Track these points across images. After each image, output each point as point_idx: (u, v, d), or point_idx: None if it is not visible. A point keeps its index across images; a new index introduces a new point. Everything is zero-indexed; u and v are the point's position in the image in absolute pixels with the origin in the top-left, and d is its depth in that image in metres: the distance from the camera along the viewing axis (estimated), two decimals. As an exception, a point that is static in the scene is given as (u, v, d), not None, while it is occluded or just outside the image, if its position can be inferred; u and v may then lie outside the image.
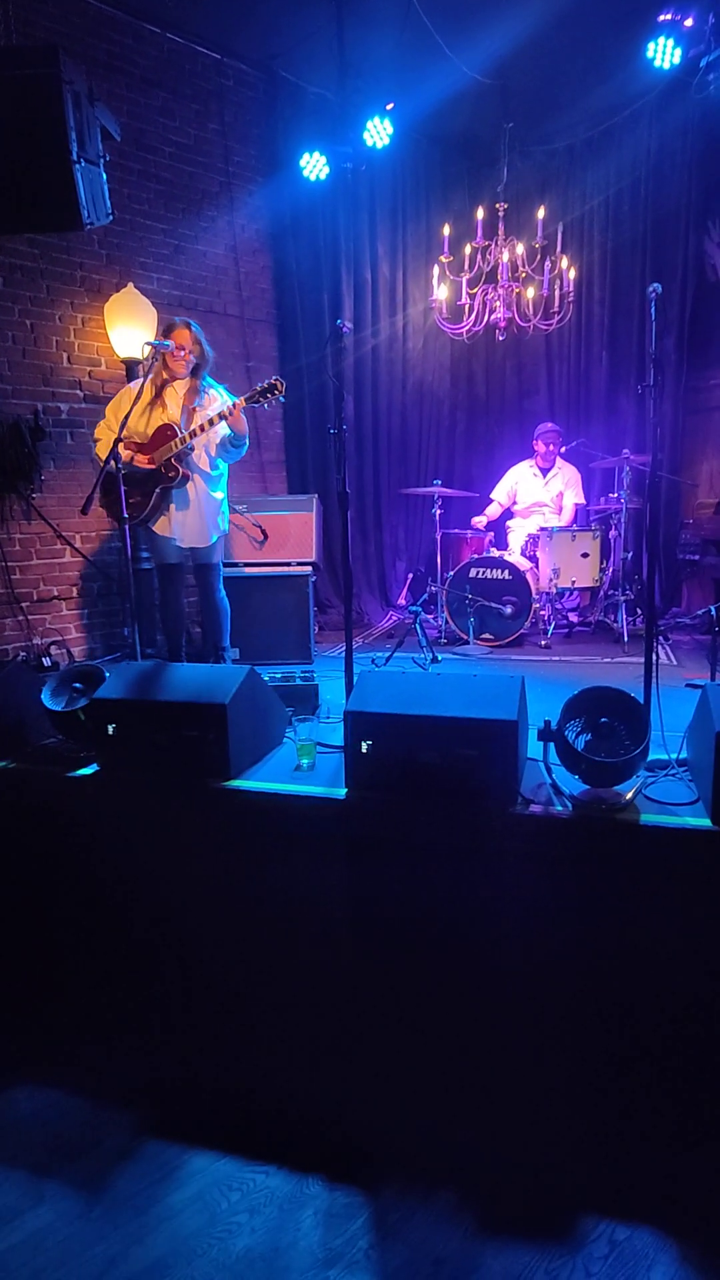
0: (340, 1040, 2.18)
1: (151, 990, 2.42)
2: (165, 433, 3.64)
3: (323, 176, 5.45)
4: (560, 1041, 2.07)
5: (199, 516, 3.75)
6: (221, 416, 3.51)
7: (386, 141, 5.23)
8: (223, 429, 3.58)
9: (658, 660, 2.76)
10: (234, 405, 3.50)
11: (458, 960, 2.21)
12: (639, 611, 5.29)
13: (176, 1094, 2.13)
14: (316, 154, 5.37)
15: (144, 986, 2.44)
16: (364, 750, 2.33)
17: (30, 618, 4.64)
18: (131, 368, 4.81)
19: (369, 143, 5.22)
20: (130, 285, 4.82)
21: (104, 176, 3.26)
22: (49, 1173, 1.90)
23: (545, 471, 5.63)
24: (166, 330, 3.71)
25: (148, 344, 3.61)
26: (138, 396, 3.61)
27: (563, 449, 5.59)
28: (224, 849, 2.47)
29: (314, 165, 5.40)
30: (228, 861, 2.45)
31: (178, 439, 3.60)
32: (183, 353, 3.63)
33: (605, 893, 2.13)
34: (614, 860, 2.15)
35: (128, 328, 4.74)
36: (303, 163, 5.39)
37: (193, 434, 3.58)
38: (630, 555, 5.17)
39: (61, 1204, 1.82)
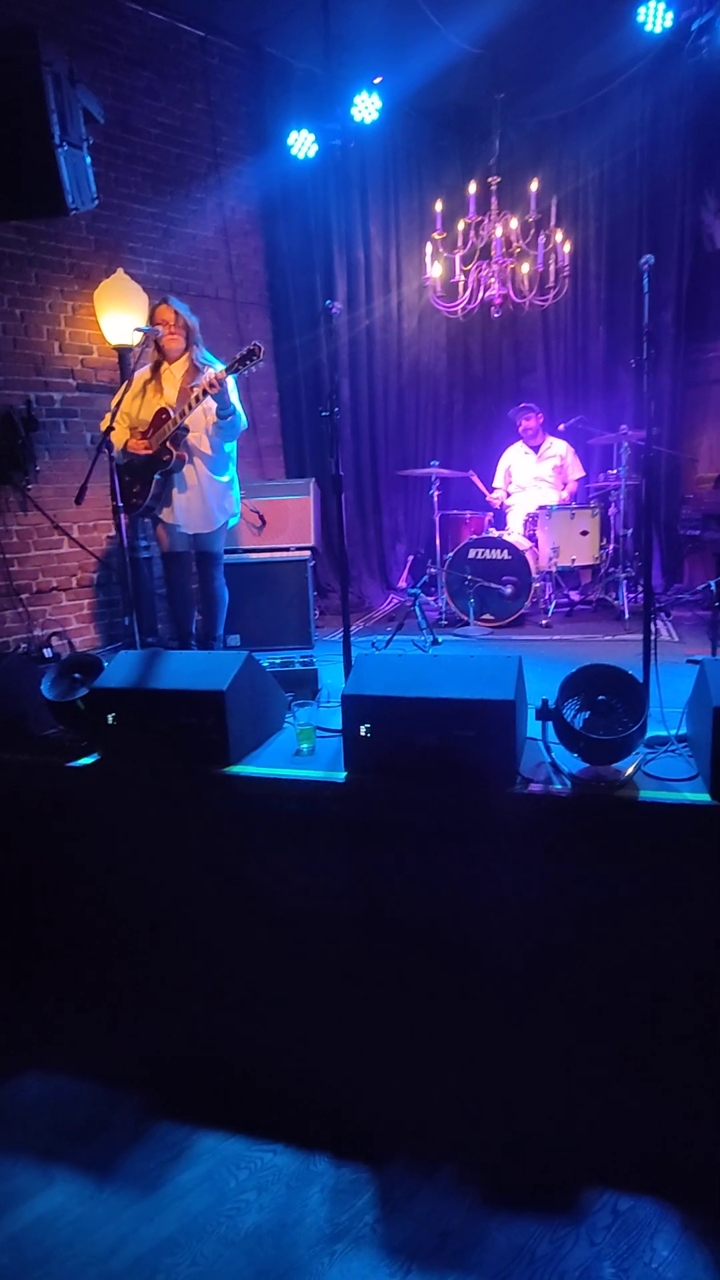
0: (344, 1019, 2.20)
1: (156, 975, 2.45)
2: (160, 416, 3.62)
3: (311, 155, 5.37)
4: (562, 1016, 2.08)
5: (201, 500, 3.72)
6: (205, 391, 3.46)
7: (375, 116, 5.15)
8: (211, 404, 3.54)
9: (658, 636, 2.76)
10: (215, 375, 3.45)
11: (459, 939, 2.23)
12: (639, 588, 5.27)
13: (184, 1076, 2.16)
14: (305, 131, 5.30)
15: (148, 971, 2.46)
16: (362, 734, 2.34)
17: (30, 609, 4.65)
18: (124, 355, 4.78)
19: (357, 118, 5.15)
20: (120, 271, 4.77)
21: (88, 160, 3.22)
22: (58, 1155, 1.92)
23: (535, 449, 5.59)
24: (149, 315, 3.68)
25: (137, 330, 3.58)
26: (128, 385, 3.58)
27: (560, 426, 5.55)
28: (225, 834, 2.48)
29: (303, 143, 5.33)
30: (229, 847, 2.47)
31: (170, 420, 3.57)
32: (167, 329, 3.59)
33: (605, 869, 2.13)
34: (614, 837, 2.15)
35: (118, 314, 4.70)
36: (291, 141, 5.32)
37: (183, 413, 3.54)
38: (630, 532, 5.14)
39: (71, 1185, 1.85)
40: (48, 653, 4.56)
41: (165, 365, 3.67)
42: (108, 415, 3.72)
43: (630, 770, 2.25)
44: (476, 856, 2.23)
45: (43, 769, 2.73)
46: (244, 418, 3.72)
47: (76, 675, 2.87)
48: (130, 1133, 1.97)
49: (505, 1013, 2.11)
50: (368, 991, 2.22)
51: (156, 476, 3.65)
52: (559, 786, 2.22)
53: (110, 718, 2.63)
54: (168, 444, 3.59)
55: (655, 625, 3.08)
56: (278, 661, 3.33)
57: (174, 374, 3.67)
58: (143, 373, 3.69)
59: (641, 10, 4.31)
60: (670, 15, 4.28)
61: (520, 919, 2.18)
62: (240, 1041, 2.24)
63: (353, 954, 2.28)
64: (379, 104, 5.08)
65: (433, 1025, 2.14)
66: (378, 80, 5.02)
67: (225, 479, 3.79)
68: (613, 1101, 1.96)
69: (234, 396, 3.59)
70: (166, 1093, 2.09)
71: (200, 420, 3.61)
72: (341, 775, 2.39)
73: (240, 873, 2.44)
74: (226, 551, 4.39)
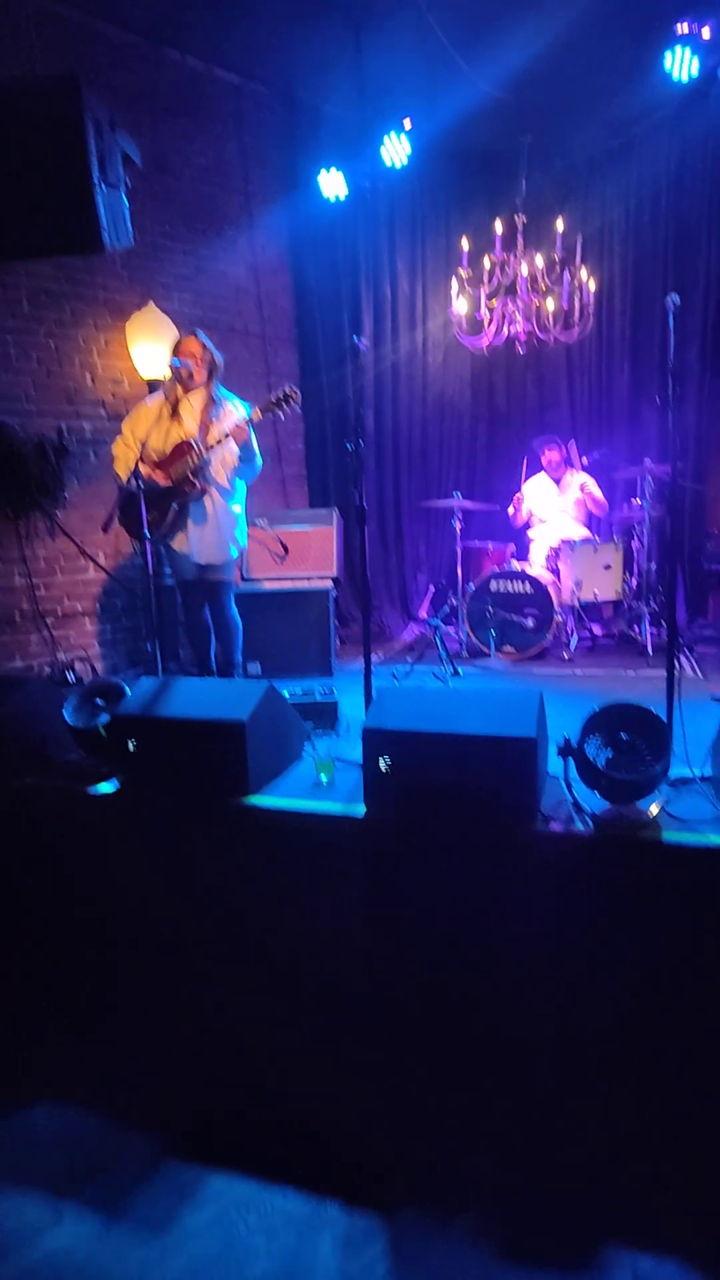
0: (358, 1061, 2.16)
1: (169, 1008, 2.42)
2: (182, 448, 3.68)
3: (341, 195, 5.50)
4: (584, 1064, 2.03)
5: (216, 531, 3.77)
6: (229, 434, 3.54)
7: (404, 159, 5.27)
8: (232, 446, 3.61)
9: (681, 673, 2.72)
10: (250, 418, 3.53)
11: (477, 981, 2.18)
12: (663, 623, 5.22)
13: (195, 1113, 2.12)
14: (335, 172, 5.43)
15: (162, 1004, 2.44)
16: (382, 767, 2.32)
17: (54, 633, 4.70)
18: (153, 387, 4.87)
19: (387, 160, 5.27)
20: (151, 305, 4.89)
21: (125, 200, 3.32)
22: (68, 1192, 1.90)
23: (558, 481, 5.60)
24: (175, 348, 3.76)
25: (169, 365, 3.67)
26: (157, 414, 3.65)
27: (583, 459, 5.55)
28: (243, 866, 2.47)
29: (333, 184, 5.45)
30: (246, 879, 2.45)
31: (194, 453, 3.63)
32: (193, 360, 3.66)
33: (628, 912, 2.09)
34: (637, 879, 2.11)
35: (149, 346, 4.81)
36: (321, 181, 5.45)
37: (208, 447, 3.61)
38: (654, 566, 5.11)
39: (80, 1224, 1.82)
40: (71, 676, 4.61)
41: (183, 396, 3.74)
42: (119, 442, 3.79)
43: (653, 811, 2.21)
44: (496, 896, 2.20)
45: (63, 794, 2.74)
46: (260, 459, 3.79)
47: (99, 701, 2.89)
48: (140, 1171, 1.94)
49: (525, 1059, 2.06)
50: (382, 1033, 2.18)
51: (174, 506, 3.70)
52: (580, 826, 2.19)
53: (131, 744, 2.64)
54: (189, 475, 3.65)
55: (679, 661, 3.05)
56: (299, 692, 3.33)
57: (192, 406, 3.74)
58: (158, 402, 3.75)
59: (669, 57, 4.39)
60: (697, 63, 4.36)
61: (540, 962, 2.14)
62: (252, 1080, 2.20)
63: (368, 994, 2.24)
64: (408, 147, 5.20)
65: (449, 1070, 2.09)
66: (408, 123, 5.14)
67: (238, 511, 3.86)
68: (636, 1157, 1.90)
69: (252, 439, 3.66)
70: (177, 1130, 2.06)
71: (220, 454, 3.68)
72: (361, 809, 2.37)
73: (258, 906, 2.42)
74: (248, 580, 4.44)
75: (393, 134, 5.13)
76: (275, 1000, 2.34)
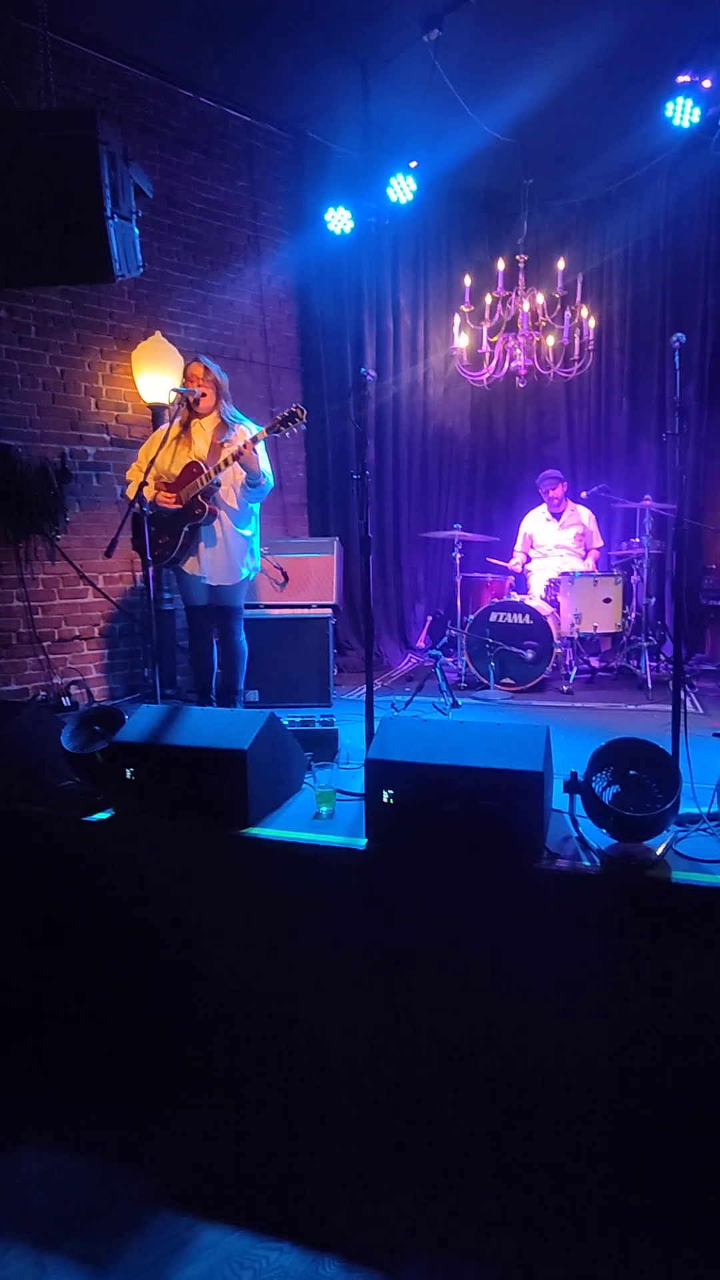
0: (358, 1105, 2.09)
1: (163, 1049, 2.35)
2: (191, 470, 3.68)
3: (347, 230, 5.59)
4: (591, 1112, 1.97)
5: (226, 554, 3.76)
6: (235, 455, 3.54)
7: (410, 197, 5.36)
8: (238, 466, 3.61)
9: (685, 710, 2.70)
10: (255, 436, 3.53)
11: (481, 1019, 2.13)
12: (662, 657, 5.22)
13: (187, 1161, 2.04)
14: (341, 209, 5.53)
15: (156, 1045, 2.36)
16: (385, 799, 2.29)
17: (51, 657, 4.66)
18: (157, 413, 4.90)
19: (392, 198, 5.37)
20: (158, 334, 4.94)
21: (136, 231, 3.37)
22: (53, 1244, 1.81)
23: (558, 516, 5.64)
24: (183, 372, 3.78)
25: (173, 390, 3.68)
26: (165, 437, 3.66)
27: (582, 494, 5.59)
28: (242, 898, 2.41)
29: (339, 220, 5.55)
30: (245, 912, 2.40)
31: (203, 475, 3.63)
32: (199, 388, 3.68)
33: (636, 953, 2.04)
34: (645, 918, 2.07)
35: (154, 374, 4.84)
36: (328, 217, 5.54)
37: (217, 469, 3.61)
38: (653, 600, 5.12)
39: (65, 1278, 1.73)
40: (66, 701, 4.56)
41: (196, 421, 3.75)
42: (134, 467, 3.79)
43: (661, 849, 2.18)
44: (500, 932, 2.15)
45: (58, 822, 2.68)
46: (271, 479, 3.78)
47: (97, 728, 2.85)
48: (130, 1221, 1.86)
49: (530, 1102, 2.00)
50: (383, 1074, 2.11)
51: (185, 529, 3.69)
52: (587, 863, 2.15)
53: (129, 772, 2.60)
54: (199, 498, 3.65)
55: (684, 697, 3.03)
56: (297, 720, 3.29)
57: (204, 428, 3.75)
58: (172, 427, 3.76)
59: (670, 105, 4.51)
60: (698, 111, 4.47)
61: (545, 1001, 2.08)
62: (248, 1127, 2.13)
63: (369, 1035, 2.18)
64: (413, 185, 5.30)
65: (452, 1114, 2.02)
66: (413, 164, 5.25)
67: (248, 533, 3.84)
68: (648, 1209, 1.83)
69: (263, 459, 3.65)
70: (169, 1177, 1.98)
71: (230, 476, 3.67)
72: (362, 842, 2.33)
73: (256, 939, 2.36)
74: (249, 606, 4.41)
75: (399, 175, 5.23)
76: (274, 1038, 2.27)
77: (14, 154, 3.12)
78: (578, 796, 2.21)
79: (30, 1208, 1.91)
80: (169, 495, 3.69)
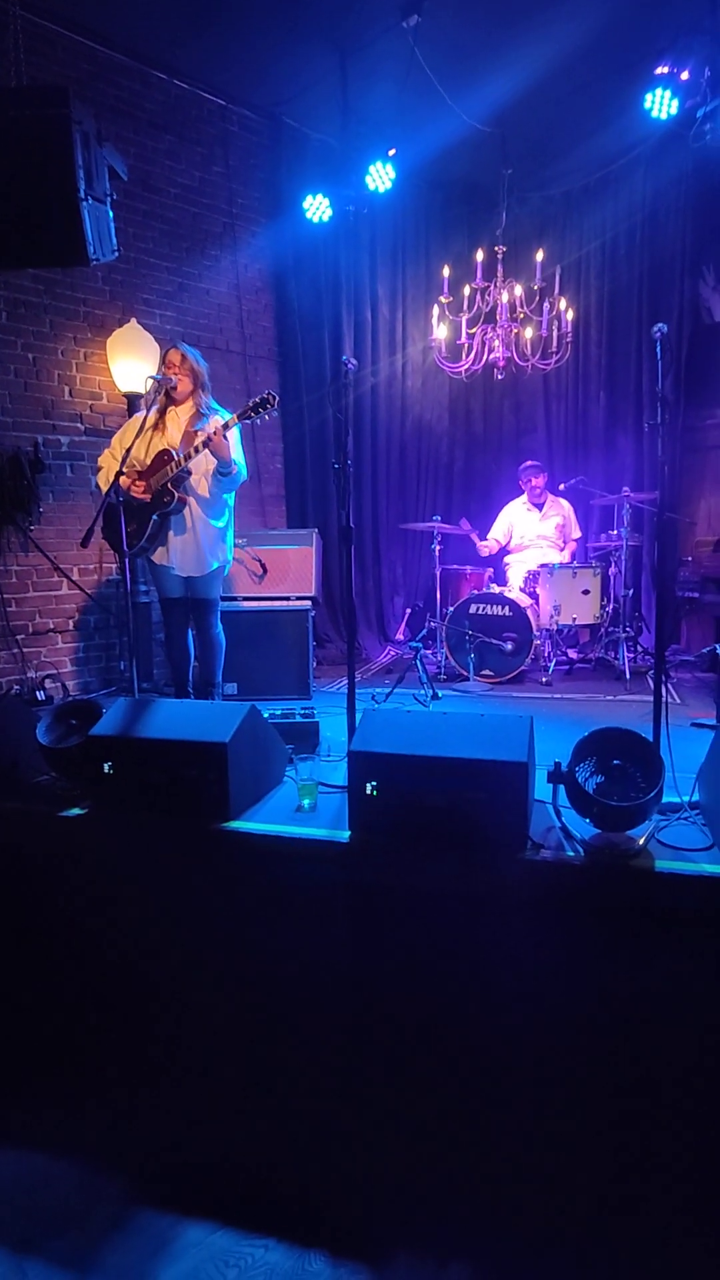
0: (342, 1102, 2.08)
1: (143, 1046, 2.31)
2: (163, 457, 3.61)
3: (325, 218, 5.53)
4: (574, 1106, 1.97)
5: (196, 544, 3.70)
6: (205, 442, 3.48)
7: (388, 186, 5.32)
8: (209, 455, 3.55)
9: (667, 700, 2.71)
10: (227, 422, 3.47)
11: (464, 1011, 2.12)
12: (640, 648, 5.26)
13: (170, 1159, 2.02)
14: (319, 196, 5.46)
15: (135, 1042, 2.33)
16: (368, 791, 2.27)
17: (25, 650, 4.58)
18: (133, 401, 4.82)
19: (371, 187, 5.31)
20: (133, 321, 4.85)
21: (110, 214, 3.29)
22: (33, 1246, 1.77)
23: (539, 507, 5.65)
24: (160, 359, 3.71)
25: (150, 378, 3.62)
26: (141, 426, 3.60)
27: (561, 486, 5.61)
28: (222, 894, 2.38)
29: (317, 207, 5.48)
30: (225, 907, 2.37)
31: (173, 462, 3.57)
32: (175, 375, 3.61)
33: (619, 942, 2.05)
34: (628, 907, 2.07)
35: (129, 362, 4.76)
36: (306, 205, 5.48)
37: (188, 456, 3.55)
38: (631, 592, 5.15)
39: (46, 1281, 1.70)
40: (41, 695, 4.48)
41: (172, 409, 3.69)
42: (106, 453, 3.72)
43: (644, 838, 2.18)
44: (484, 924, 2.14)
45: (33, 818, 2.63)
46: (244, 469, 3.72)
47: (73, 721, 2.80)
48: (111, 1221, 1.83)
49: (513, 1094, 1.99)
50: (366, 1069, 2.10)
51: (154, 517, 3.63)
52: (570, 853, 2.15)
53: (107, 766, 2.55)
54: (169, 485, 3.59)
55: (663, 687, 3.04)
56: (278, 713, 3.26)
57: (179, 416, 3.68)
58: (149, 416, 3.69)
59: (649, 97, 4.51)
60: (676, 103, 4.48)
61: (529, 991, 2.08)
62: (230, 1123, 2.10)
63: (351, 1029, 2.16)
64: (392, 174, 5.25)
65: (437, 1110, 2.02)
66: (392, 152, 5.20)
67: (220, 524, 3.78)
68: (629, 1202, 1.84)
69: (236, 448, 3.59)
70: (151, 1177, 1.95)
71: (203, 464, 3.62)
72: (345, 834, 2.31)
73: (236, 937, 2.33)
74: (226, 599, 4.36)
75: (378, 163, 5.18)
76: (255, 1034, 2.24)
77: (-17, 132, 3.03)
78: (561, 787, 2.21)
79: (10, 1209, 1.87)
80: (140, 484, 3.63)
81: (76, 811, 2.58)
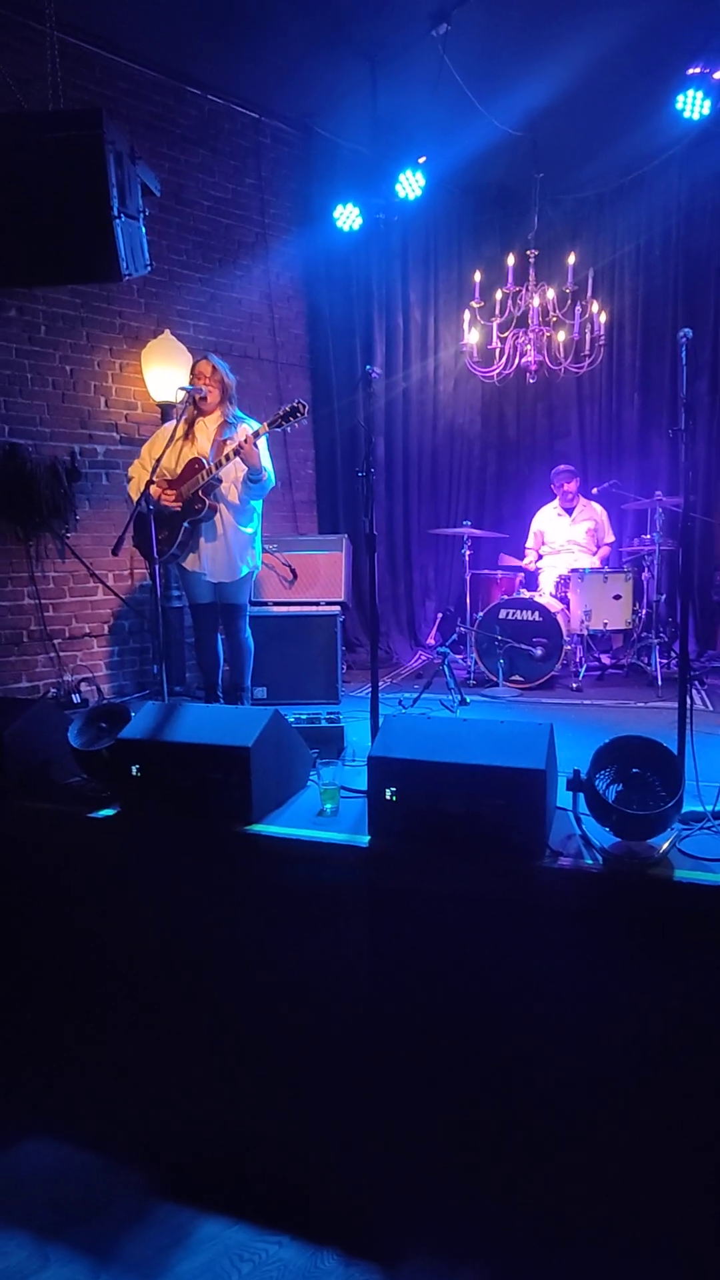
0: (359, 1103, 2.10)
1: (165, 1042, 2.36)
2: (193, 466, 3.69)
3: (356, 227, 5.58)
4: (591, 1107, 1.96)
5: (227, 550, 3.76)
6: (236, 451, 3.54)
7: (419, 193, 5.34)
8: (239, 463, 3.61)
9: (692, 707, 2.68)
10: (257, 431, 3.53)
11: (482, 1018, 2.13)
12: (673, 654, 5.18)
13: (189, 1153, 2.06)
14: (350, 205, 5.51)
15: (158, 1038, 2.38)
16: (388, 797, 2.29)
17: (62, 654, 4.70)
18: (166, 411, 4.92)
19: (401, 194, 5.35)
20: (167, 332, 4.95)
21: (143, 230, 3.37)
22: (56, 1233, 1.83)
23: (570, 511, 5.60)
24: (190, 370, 3.79)
25: (181, 388, 3.70)
26: (171, 436, 3.67)
27: (594, 490, 5.56)
28: (244, 895, 2.42)
29: (347, 216, 5.54)
30: (247, 908, 2.41)
31: (204, 471, 3.64)
32: (205, 386, 3.68)
33: (638, 950, 2.04)
34: (647, 917, 2.06)
35: (163, 372, 4.86)
36: (336, 214, 5.53)
37: (218, 464, 3.62)
38: (663, 597, 5.09)
39: (67, 1269, 1.75)
40: (76, 698, 4.59)
41: (200, 419, 3.76)
42: (136, 464, 3.80)
43: (664, 847, 2.16)
44: (502, 931, 2.15)
45: (64, 818, 2.71)
46: (273, 477, 3.78)
47: (103, 724, 2.87)
48: (131, 1213, 1.88)
49: (531, 1100, 1.99)
50: (384, 1071, 2.12)
51: (185, 525, 3.71)
52: (589, 861, 2.14)
53: (135, 769, 2.62)
54: (199, 493, 3.66)
55: (691, 694, 3.01)
56: (304, 717, 3.30)
57: (207, 426, 3.76)
58: (178, 426, 3.77)
59: (681, 98, 4.46)
60: (709, 104, 4.43)
61: (547, 1000, 2.08)
62: (248, 1121, 2.14)
63: (371, 1030, 2.18)
64: (422, 181, 5.28)
65: (453, 1114, 2.03)
66: (422, 160, 5.23)
67: (249, 530, 3.84)
68: (647, 1203, 1.83)
69: (264, 455, 3.65)
70: (170, 1170, 1.99)
71: (232, 472, 3.68)
72: (365, 839, 2.33)
73: (258, 939, 2.37)
74: (256, 603, 4.43)
75: (408, 171, 5.21)
76: (275, 1034, 2.28)
77: (22, 155, 3.13)
78: (581, 794, 2.21)
79: (34, 1198, 1.93)
80: (170, 493, 3.71)
81: (106, 813, 2.65)
